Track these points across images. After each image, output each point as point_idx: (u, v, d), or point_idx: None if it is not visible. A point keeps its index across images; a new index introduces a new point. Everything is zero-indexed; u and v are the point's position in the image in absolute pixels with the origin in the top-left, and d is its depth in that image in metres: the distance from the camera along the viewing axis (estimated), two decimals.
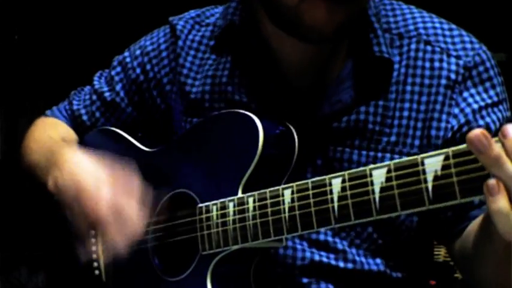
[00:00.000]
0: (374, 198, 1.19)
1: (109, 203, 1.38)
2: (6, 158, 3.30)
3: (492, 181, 1.05)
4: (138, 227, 1.39)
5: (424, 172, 1.13)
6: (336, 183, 1.23)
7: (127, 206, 1.39)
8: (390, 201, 1.17)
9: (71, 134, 1.77)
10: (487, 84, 1.45)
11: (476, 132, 1.04)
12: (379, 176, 1.18)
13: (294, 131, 1.42)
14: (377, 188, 1.18)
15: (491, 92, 1.45)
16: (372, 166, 1.19)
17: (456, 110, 1.44)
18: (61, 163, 1.51)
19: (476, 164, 1.07)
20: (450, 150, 1.10)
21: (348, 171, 1.22)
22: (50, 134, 1.71)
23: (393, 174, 1.16)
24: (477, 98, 1.44)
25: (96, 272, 1.61)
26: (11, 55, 3.54)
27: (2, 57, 3.48)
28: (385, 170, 1.17)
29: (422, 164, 1.13)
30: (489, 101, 1.44)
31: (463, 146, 1.09)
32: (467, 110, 1.44)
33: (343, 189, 1.22)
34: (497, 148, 1.04)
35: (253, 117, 1.39)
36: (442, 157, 1.11)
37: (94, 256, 1.61)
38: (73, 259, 1.66)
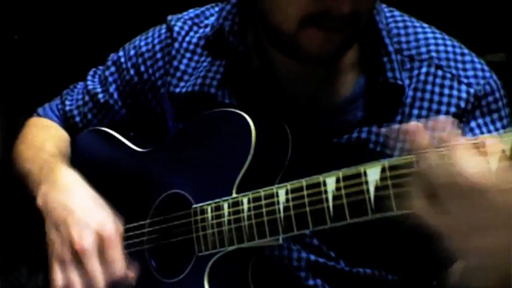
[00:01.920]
0: (369, 198, 1.18)
1: (97, 234, 1.38)
2: (6, 158, 3.29)
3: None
4: (120, 268, 1.38)
5: None
6: (330, 183, 1.22)
7: (114, 242, 1.38)
8: (386, 200, 1.16)
9: (63, 136, 1.75)
10: (495, 116, 1.44)
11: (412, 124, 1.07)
12: (373, 174, 1.18)
13: (287, 128, 1.41)
14: (372, 187, 1.18)
15: (498, 124, 1.44)
16: (366, 165, 1.19)
17: (462, 140, 1.42)
18: (52, 181, 1.50)
19: None
20: (446, 148, 1.10)
21: (341, 170, 1.22)
22: (44, 144, 1.68)
23: (388, 173, 1.16)
24: (484, 129, 1.42)
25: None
26: (11, 55, 3.54)
27: (2, 57, 3.47)
28: (379, 168, 1.17)
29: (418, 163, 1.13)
30: (495, 134, 1.40)
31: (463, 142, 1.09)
32: None
33: (338, 188, 1.22)
34: (425, 141, 1.07)
35: (245, 116, 1.39)
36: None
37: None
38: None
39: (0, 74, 3.46)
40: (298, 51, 1.36)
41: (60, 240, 1.40)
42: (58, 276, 1.39)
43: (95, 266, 1.37)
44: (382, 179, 1.16)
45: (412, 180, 1.10)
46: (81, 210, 1.41)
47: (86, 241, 1.37)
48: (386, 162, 1.16)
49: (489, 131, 1.42)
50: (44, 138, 1.71)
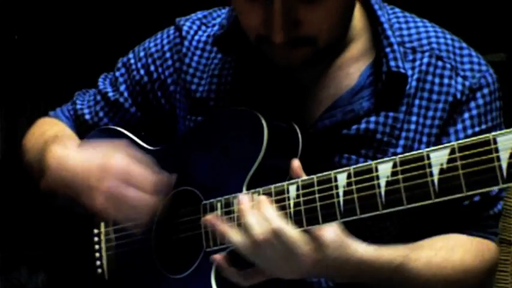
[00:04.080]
0: (380, 193, 1.20)
1: (105, 193, 1.39)
2: (6, 158, 3.30)
3: None
4: (143, 207, 1.40)
5: (430, 166, 1.14)
6: (342, 178, 1.24)
7: (124, 191, 1.39)
8: (396, 195, 1.18)
9: (67, 131, 1.76)
10: (487, 108, 1.47)
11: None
12: (384, 170, 1.19)
13: (297, 128, 1.43)
14: (383, 182, 1.19)
15: (489, 117, 1.47)
16: (377, 161, 1.21)
17: (451, 130, 1.45)
18: (50, 161, 1.51)
19: (482, 157, 1.09)
20: (456, 143, 1.12)
21: (353, 166, 1.23)
22: (45, 132, 1.71)
23: (399, 168, 1.17)
24: (475, 121, 1.45)
25: (99, 270, 1.61)
26: (11, 55, 3.53)
27: (2, 57, 3.47)
28: (390, 164, 1.19)
29: (428, 157, 1.14)
30: (484, 127, 1.45)
31: (469, 139, 1.10)
32: (461, 134, 1.45)
33: (349, 184, 1.23)
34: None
35: (258, 115, 1.40)
36: (447, 150, 1.13)
37: (97, 254, 1.61)
38: (74, 258, 1.66)
39: (0, 74, 3.46)
40: (268, 58, 1.43)
41: (84, 194, 1.42)
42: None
43: (118, 218, 1.44)
44: (393, 173, 1.18)
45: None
46: (80, 178, 1.43)
47: (97, 204, 1.40)
48: (397, 158, 1.18)
49: (479, 123, 1.45)
50: (45, 129, 1.74)
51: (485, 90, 1.46)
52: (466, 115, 1.45)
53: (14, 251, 3.20)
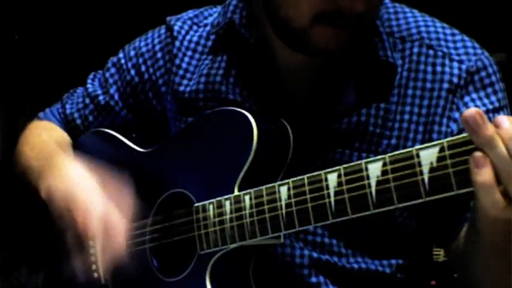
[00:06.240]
0: (370, 192, 1.18)
1: (100, 218, 1.39)
2: (6, 158, 3.30)
3: (478, 153, 1.06)
4: (121, 247, 1.41)
5: (420, 164, 1.13)
6: (332, 178, 1.22)
7: (117, 223, 1.40)
8: (387, 194, 1.17)
9: (65, 137, 1.75)
10: (489, 90, 1.44)
11: (472, 111, 1.06)
12: (374, 169, 1.18)
13: (288, 126, 1.42)
14: (373, 182, 1.18)
15: (493, 98, 1.44)
16: (367, 160, 1.19)
17: (457, 115, 1.43)
18: (54, 170, 1.50)
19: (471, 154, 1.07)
20: (445, 141, 1.10)
21: (343, 166, 1.22)
22: (44, 139, 1.69)
23: (389, 167, 1.16)
24: (478, 103, 1.43)
25: (95, 274, 1.60)
26: (11, 55, 3.55)
27: (2, 57, 3.48)
28: (380, 163, 1.17)
29: (418, 156, 1.13)
30: (490, 107, 1.43)
31: (458, 137, 1.09)
32: None
33: (339, 183, 1.22)
34: (491, 129, 1.06)
35: (246, 115, 1.39)
36: (437, 149, 1.11)
37: (92, 259, 1.60)
38: (71, 262, 1.66)
39: (0, 74, 3.47)
40: (307, 45, 1.38)
41: (66, 227, 1.42)
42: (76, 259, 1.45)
43: (98, 246, 1.40)
44: (384, 173, 1.17)
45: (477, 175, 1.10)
46: (82, 195, 1.42)
47: (89, 224, 1.39)
48: (387, 157, 1.17)
49: (484, 105, 1.44)
50: (45, 138, 1.71)
51: (483, 73, 1.44)
52: (467, 98, 1.44)
53: (14, 251, 3.21)
